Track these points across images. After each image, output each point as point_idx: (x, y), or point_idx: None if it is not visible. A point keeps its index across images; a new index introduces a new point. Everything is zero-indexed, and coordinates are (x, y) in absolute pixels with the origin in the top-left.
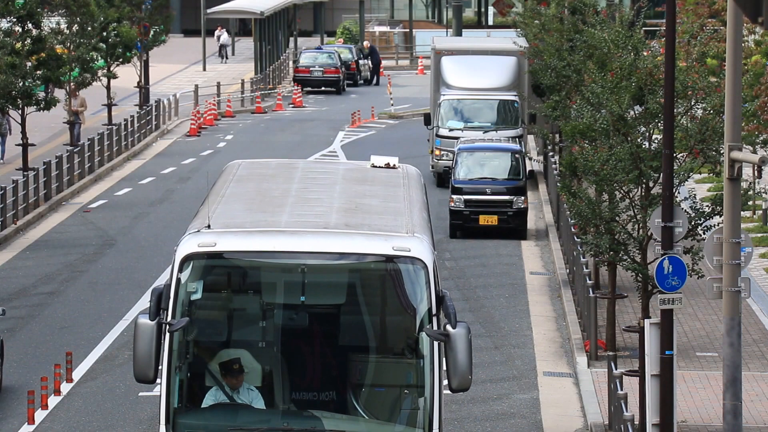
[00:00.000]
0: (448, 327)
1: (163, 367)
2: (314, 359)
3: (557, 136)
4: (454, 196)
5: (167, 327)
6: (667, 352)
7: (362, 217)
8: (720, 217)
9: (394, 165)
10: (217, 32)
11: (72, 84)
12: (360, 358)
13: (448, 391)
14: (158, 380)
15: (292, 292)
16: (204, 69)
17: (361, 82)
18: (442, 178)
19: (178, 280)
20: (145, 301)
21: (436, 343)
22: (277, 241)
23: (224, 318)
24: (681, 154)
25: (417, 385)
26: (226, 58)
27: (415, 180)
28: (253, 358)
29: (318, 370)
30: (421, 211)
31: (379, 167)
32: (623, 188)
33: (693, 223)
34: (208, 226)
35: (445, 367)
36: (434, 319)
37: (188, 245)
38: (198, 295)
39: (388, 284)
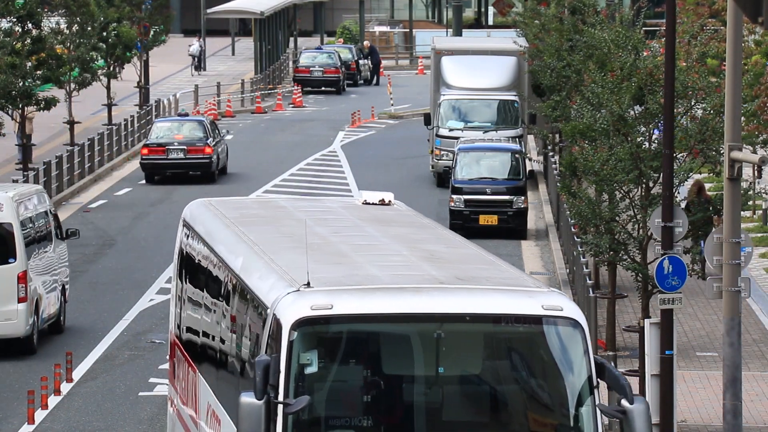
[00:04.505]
0: (624, 402)
1: None
2: None
3: (557, 136)
4: (454, 196)
5: (283, 407)
6: (667, 352)
7: (459, 269)
8: (720, 217)
9: (389, 201)
10: (190, 43)
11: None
12: None
13: None
14: None
15: (426, 362)
16: (204, 69)
17: (361, 82)
18: (442, 178)
19: (290, 350)
20: (145, 301)
21: (599, 421)
22: (408, 302)
23: (346, 395)
24: (681, 154)
25: None
26: (202, 69)
27: (425, 217)
28: None
29: None
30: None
31: (373, 204)
32: (623, 188)
33: None
34: (308, 284)
35: None
36: (595, 392)
37: (297, 308)
38: (313, 368)
39: (540, 350)
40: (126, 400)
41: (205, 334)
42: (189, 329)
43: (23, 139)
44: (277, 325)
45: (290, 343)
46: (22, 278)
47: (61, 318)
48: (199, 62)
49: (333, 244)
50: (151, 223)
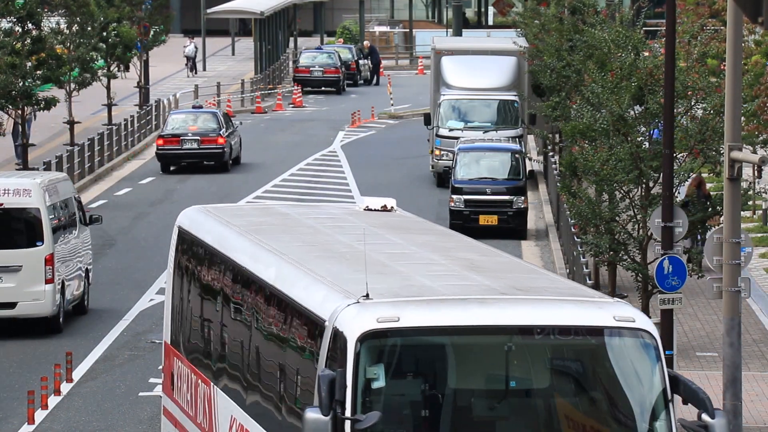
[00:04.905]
0: (705, 417)
1: None
2: None
3: (557, 136)
4: (454, 196)
5: (352, 424)
6: (667, 352)
7: (510, 278)
8: (720, 217)
9: (392, 207)
10: (185, 44)
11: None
12: None
13: None
14: None
15: (496, 376)
16: (204, 69)
17: (361, 82)
18: (442, 178)
19: (356, 364)
20: (145, 301)
21: None
22: (475, 314)
23: (414, 409)
24: (681, 154)
25: None
26: (195, 71)
27: (434, 224)
28: None
29: None
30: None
31: (375, 210)
32: (623, 188)
33: None
34: (367, 296)
35: None
36: (670, 406)
37: (362, 321)
38: (381, 383)
39: (612, 363)
40: (126, 400)
41: (224, 346)
42: (198, 340)
43: (23, 139)
44: (340, 339)
45: (356, 357)
46: (49, 261)
47: (85, 299)
48: (193, 63)
49: (364, 253)
50: (151, 223)
